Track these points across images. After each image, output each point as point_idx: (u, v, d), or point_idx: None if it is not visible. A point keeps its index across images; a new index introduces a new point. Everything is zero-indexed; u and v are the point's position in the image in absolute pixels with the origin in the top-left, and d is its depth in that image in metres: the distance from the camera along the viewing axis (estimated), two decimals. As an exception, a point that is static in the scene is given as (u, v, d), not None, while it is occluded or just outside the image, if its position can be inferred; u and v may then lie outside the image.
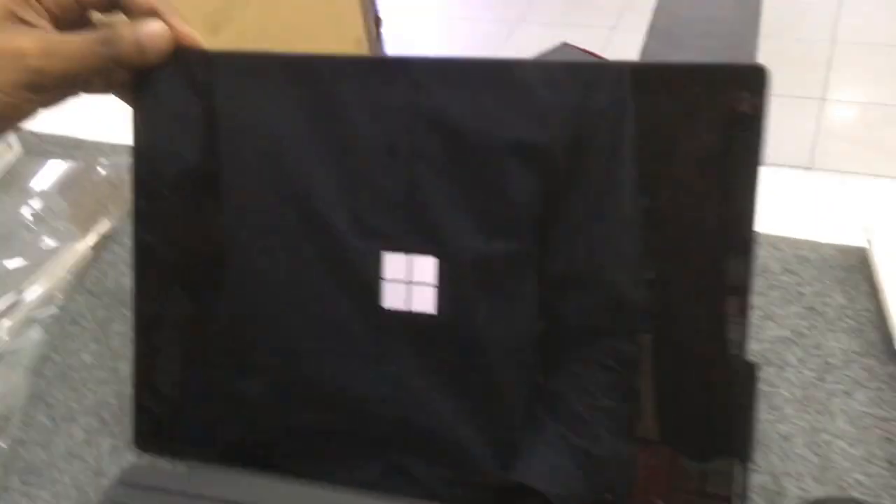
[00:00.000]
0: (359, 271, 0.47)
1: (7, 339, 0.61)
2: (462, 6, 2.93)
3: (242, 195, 0.50)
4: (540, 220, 0.43)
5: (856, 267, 0.57)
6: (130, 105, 0.51)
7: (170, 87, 0.50)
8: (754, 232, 0.41)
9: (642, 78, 0.42)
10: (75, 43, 0.46)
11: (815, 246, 0.59)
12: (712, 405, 0.43)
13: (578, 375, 0.44)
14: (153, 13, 0.48)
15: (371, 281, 0.47)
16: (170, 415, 0.53)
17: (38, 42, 0.45)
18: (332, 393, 0.49)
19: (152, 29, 0.47)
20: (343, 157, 0.47)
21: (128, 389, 0.57)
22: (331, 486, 0.48)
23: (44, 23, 0.47)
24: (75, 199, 0.75)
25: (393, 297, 0.47)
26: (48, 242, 0.69)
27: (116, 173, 0.76)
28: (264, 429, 0.51)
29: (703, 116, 0.42)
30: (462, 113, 0.44)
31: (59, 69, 0.46)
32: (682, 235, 0.42)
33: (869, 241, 0.56)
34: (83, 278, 0.67)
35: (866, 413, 0.49)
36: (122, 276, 0.67)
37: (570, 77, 0.43)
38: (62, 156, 0.79)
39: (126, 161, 0.75)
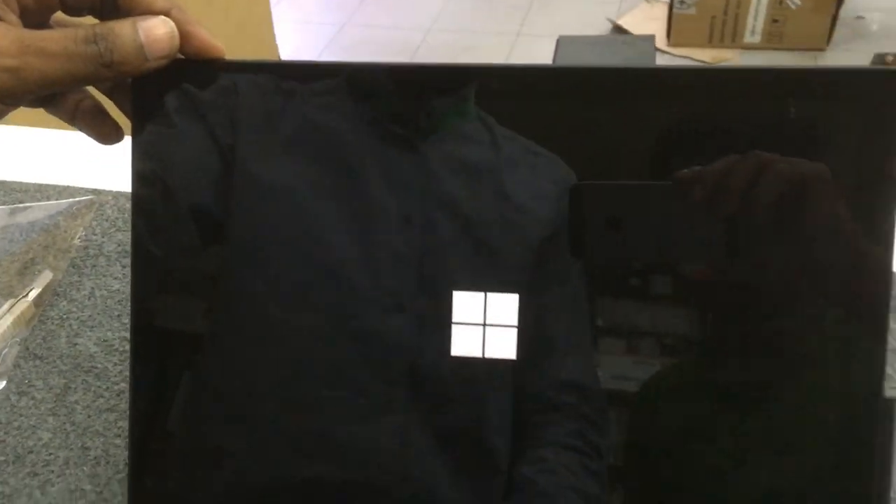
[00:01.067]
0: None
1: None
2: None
3: (253, 244, 0.42)
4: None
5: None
6: (123, 113, 0.42)
7: (176, 100, 0.42)
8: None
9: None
10: (58, 40, 0.37)
11: None
12: (845, 455, 0.38)
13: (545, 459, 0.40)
14: (163, 13, 0.39)
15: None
16: (174, 489, 0.44)
17: (11, 37, 0.36)
18: (339, 450, 0.41)
19: (157, 27, 0.39)
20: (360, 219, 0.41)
21: (105, 472, 0.48)
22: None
23: (13, 17, 0.38)
24: (4, 248, 0.64)
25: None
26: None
27: (49, 216, 0.65)
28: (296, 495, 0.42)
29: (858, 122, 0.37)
30: None
31: (37, 71, 0.36)
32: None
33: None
34: (27, 341, 0.56)
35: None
36: (75, 335, 0.57)
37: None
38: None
39: (61, 203, 0.65)
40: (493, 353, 0.40)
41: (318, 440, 0.41)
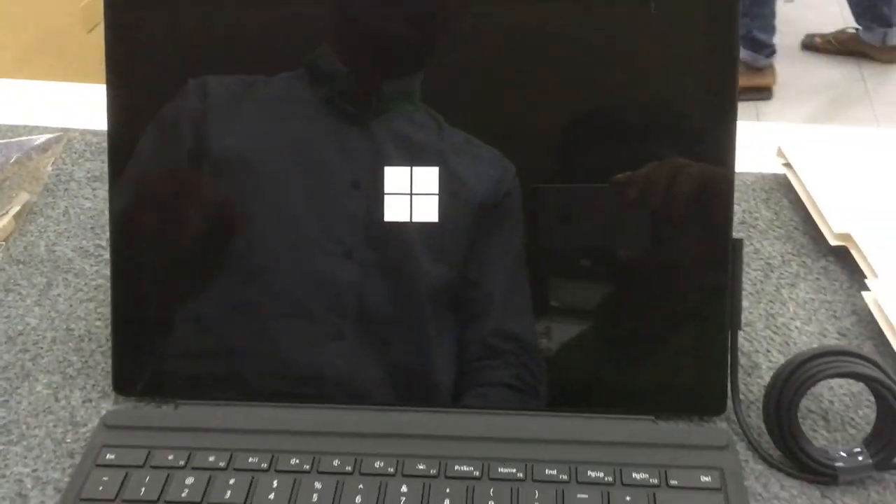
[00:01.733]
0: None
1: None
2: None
3: (224, 206, 0.51)
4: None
5: (774, 188, 0.65)
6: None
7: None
8: (735, 122, 0.47)
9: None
10: None
11: (739, 175, 0.66)
12: (706, 279, 0.48)
13: None
14: None
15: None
16: (148, 358, 0.51)
17: None
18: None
19: None
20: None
21: (90, 346, 0.55)
22: (309, 407, 0.49)
23: None
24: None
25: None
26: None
27: (21, 150, 0.72)
28: (254, 360, 0.51)
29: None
30: None
31: None
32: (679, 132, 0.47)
33: (787, 164, 0.63)
34: (9, 250, 0.63)
35: (810, 298, 0.56)
36: (53, 244, 0.64)
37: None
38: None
39: (32, 139, 0.72)
40: (419, 217, 0.49)
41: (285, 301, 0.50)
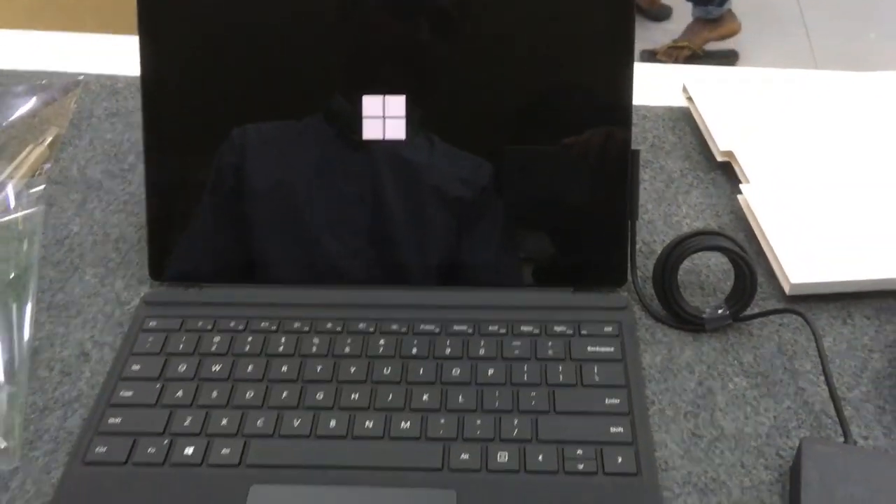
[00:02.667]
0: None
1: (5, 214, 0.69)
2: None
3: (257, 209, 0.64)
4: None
5: (679, 118, 0.79)
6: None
7: None
8: (632, 71, 0.61)
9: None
10: None
11: (650, 108, 0.80)
12: (612, 181, 0.62)
13: None
14: None
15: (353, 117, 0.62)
16: (179, 248, 0.65)
17: None
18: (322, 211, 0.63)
19: None
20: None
21: (125, 246, 0.68)
22: (322, 286, 0.63)
23: None
24: (13, 114, 0.83)
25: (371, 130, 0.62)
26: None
27: (45, 91, 0.84)
28: (264, 249, 0.64)
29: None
30: None
31: None
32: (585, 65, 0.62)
33: (689, 98, 0.78)
34: (48, 174, 0.76)
35: (700, 202, 0.71)
36: (83, 168, 0.77)
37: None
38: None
39: (54, 82, 0.84)
40: (390, 136, 0.63)
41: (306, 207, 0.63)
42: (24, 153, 0.77)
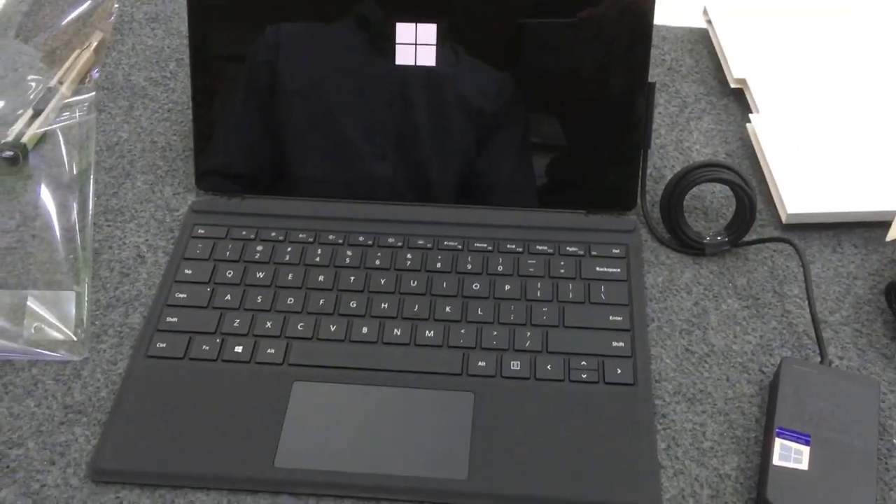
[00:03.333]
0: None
1: (54, 119, 0.74)
2: None
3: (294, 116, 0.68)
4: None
5: (698, 41, 0.82)
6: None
7: None
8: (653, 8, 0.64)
9: None
10: None
11: (669, 29, 0.83)
12: (627, 112, 0.67)
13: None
14: None
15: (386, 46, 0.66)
16: (223, 160, 0.70)
17: None
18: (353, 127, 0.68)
19: None
20: None
21: (171, 154, 0.74)
22: (355, 201, 0.68)
23: None
24: (59, 19, 0.86)
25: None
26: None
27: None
28: (303, 168, 0.69)
29: None
30: None
31: None
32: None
33: (709, 21, 0.81)
34: (95, 78, 0.80)
35: (711, 128, 0.75)
36: (128, 74, 0.81)
37: None
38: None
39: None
40: (421, 62, 0.67)
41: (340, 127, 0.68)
42: (72, 57, 0.81)
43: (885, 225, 0.64)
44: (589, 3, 0.65)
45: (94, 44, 0.82)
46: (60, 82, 0.78)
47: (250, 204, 0.69)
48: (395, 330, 0.60)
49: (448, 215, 0.67)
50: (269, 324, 0.61)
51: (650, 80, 0.65)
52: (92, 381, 0.59)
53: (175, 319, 0.61)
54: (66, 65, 0.80)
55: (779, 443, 0.52)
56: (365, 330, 0.60)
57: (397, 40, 0.66)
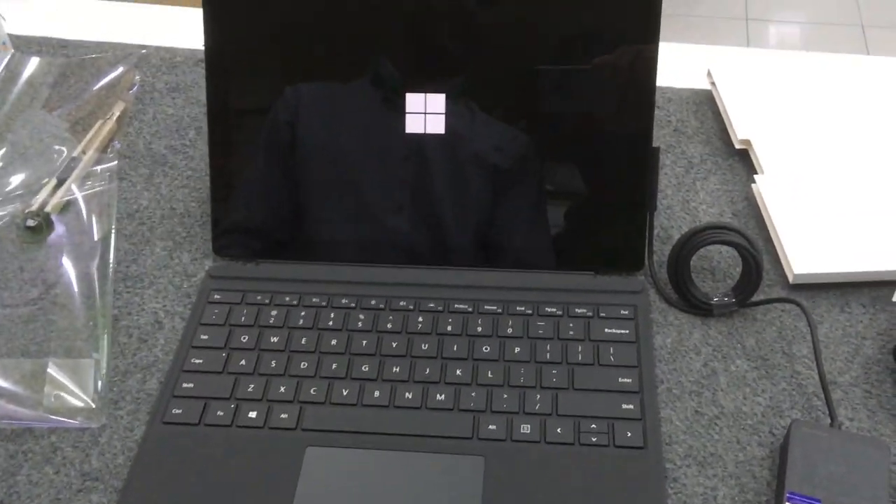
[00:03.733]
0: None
1: (77, 189, 0.77)
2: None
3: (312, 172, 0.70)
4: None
5: (703, 102, 0.84)
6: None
7: None
8: (656, 68, 0.66)
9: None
10: None
11: (675, 91, 0.85)
12: (633, 175, 0.68)
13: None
14: None
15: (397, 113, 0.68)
16: (239, 226, 0.72)
17: None
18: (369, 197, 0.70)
19: None
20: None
21: (190, 221, 0.76)
22: (368, 264, 0.70)
23: None
24: (84, 89, 0.89)
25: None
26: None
27: (111, 66, 0.91)
28: (317, 230, 0.71)
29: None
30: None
31: None
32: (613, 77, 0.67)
33: (713, 83, 0.82)
34: (117, 148, 0.83)
35: (717, 188, 0.76)
36: (149, 143, 0.84)
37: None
38: (51, 54, 0.92)
39: (118, 55, 0.91)
40: (431, 130, 0.69)
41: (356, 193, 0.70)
42: (95, 127, 0.83)
43: (893, 284, 0.65)
44: (595, 78, 0.67)
45: (117, 114, 0.85)
46: (84, 152, 0.81)
47: (265, 269, 0.71)
48: (407, 393, 0.61)
49: (458, 278, 0.69)
50: (282, 388, 0.62)
51: (655, 142, 0.67)
52: (109, 448, 0.60)
53: (191, 385, 0.62)
54: (90, 134, 0.83)
55: (789, 507, 0.52)
56: (377, 394, 0.61)
57: (407, 109, 0.68)
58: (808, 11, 2.64)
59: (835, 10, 2.62)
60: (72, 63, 0.92)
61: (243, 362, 0.64)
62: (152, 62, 0.92)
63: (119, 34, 0.96)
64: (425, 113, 0.68)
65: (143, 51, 0.93)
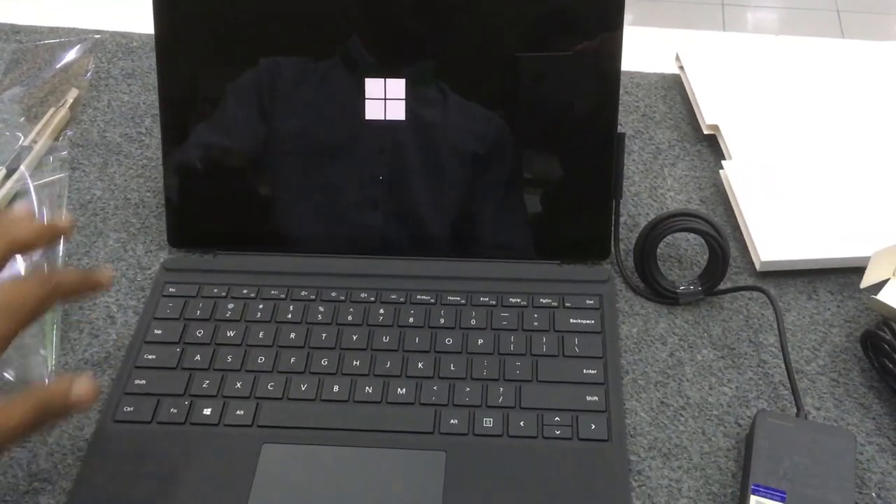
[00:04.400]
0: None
1: (29, 178, 0.74)
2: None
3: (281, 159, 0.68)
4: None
5: (671, 87, 0.82)
6: None
7: None
8: (619, 62, 0.64)
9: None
10: (15, 417, 0.43)
11: (643, 75, 0.83)
12: (599, 162, 0.66)
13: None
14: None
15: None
16: (195, 216, 0.70)
17: None
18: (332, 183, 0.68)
19: (85, 392, 0.47)
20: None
21: (144, 211, 0.73)
22: (328, 255, 0.68)
23: None
24: (36, 75, 0.87)
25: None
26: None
27: (65, 51, 0.88)
28: (277, 220, 0.69)
29: None
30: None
31: None
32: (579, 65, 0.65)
33: (681, 68, 0.81)
34: (69, 136, 0.80)
35: (685, 174, 0.75)
36: (103, 131, 0.81)
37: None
38: (3, 40, 0.89)
39: (72, 41, 0.88)
40: (391, 116, 0.67)
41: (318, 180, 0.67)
42: (47, 115, 0.81)
43: (861, 271, 0.64)
44: (560, 64, 0.65)
45: (70, 101, 0.83)
46: (35, 140, 0.78)
47: (223, 260, 0.68)
48: (367, 388, 0.59)
49: (421, 268, 0.67)
50: (238, 384, 0.60)
51: (622, 129, 0.65)
52: (58, 448, 0.58)
53: (143, 382, 0.60)
54: (42, 122, 0.80)
55: (755, 500, 0.51)
56: (336, 388, 0.60)
57: (367, 95, 0.66)
58: (783, -4, 2.63)
59: (809, -5, 2.62)
60: (24, 48, 0.89)
61: (198, 357, 0.62)
62: (108, 47, 0.89)
63: (73, 19, 0.93)
64: (385, 99, 0.66)
65: (98, 36, 0.90)
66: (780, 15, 2.60)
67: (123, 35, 0.90)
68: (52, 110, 0.81)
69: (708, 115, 0.75)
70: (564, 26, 0.65)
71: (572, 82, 0.65)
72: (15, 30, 0.92)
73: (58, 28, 0.92)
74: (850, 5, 2.60)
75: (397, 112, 0.67)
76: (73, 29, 0.91)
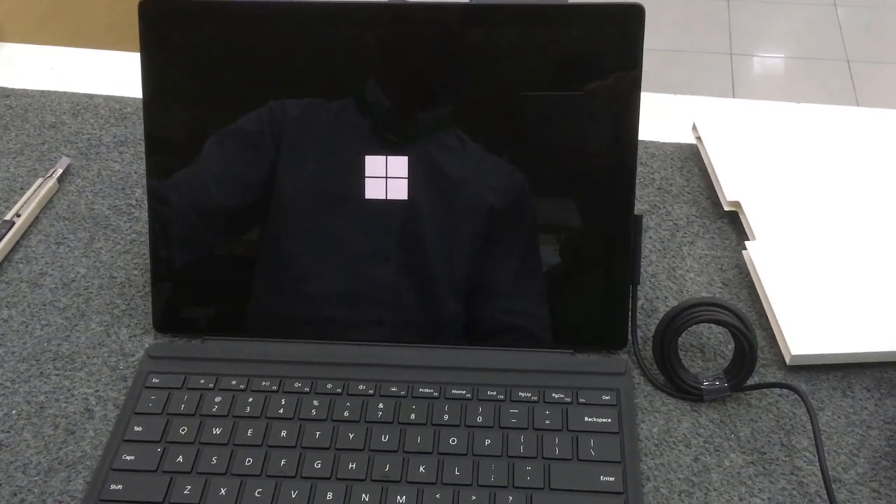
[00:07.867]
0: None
1: (7, 255, 0.70)
2: None
3: (286, 221, 0.64)
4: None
5: (688, 157, 0.78)
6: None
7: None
8: (636, 136, 0.60)
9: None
10: None
11: (658, 145, 0.79)
12: (614, 244, 0.62)
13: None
14: None
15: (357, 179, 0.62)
16: (183, 299, 0.65)
17: None
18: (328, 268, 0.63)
19: None
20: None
21: (131, 291, 0.69)
22: (323, 342, 0.63)
23: None
24: (24, 141, 0.83)
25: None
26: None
27: (55, 115, 0.84)
28: (269, 304, 0.65)
29: (591, 50, 0.59)
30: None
31: None
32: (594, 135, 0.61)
33: (699, 138, 0.77)
34: (56, 208, 0.76)
35: (705, 254, 0.70)
36: (91, 203, 0.77)
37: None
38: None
39: (63, 105, 0.84)
40: (393, 196, 0.63)
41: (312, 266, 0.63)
42: (34, 186, 0.77)
43: (899, 365, 0.59)
44: (574, 135, 0.61)
45: (60, 171, 0.79)
46: (18, 214, 0.74)
47: (211, 347, 0.64)
48: (364, 495, 0.55)
49: (422, 357, 0.62)
50: (223, 490, 0.55)
51: (639, 205, 0.61)
52: (26, 560, 0.53)
53: (119, 487, 0.55)
54: (27, 194, 0.76)
55: None
56: (330, 496, 0.55)
57: (367, 173, 0.62)
58: (793, 46, 2.62)
59: (819, 45, 2.60)
60: (14, 113, 0.85)
61: (180, 459, 0.57)
62: (101, 112, 0.86)
63: (66, 83, 0.90)
64: (386, 177, 0.62)
65: (90, 100, 0.86)
66: (787, 64, 2.58)
67: (117, 100, 0.87)
68: (39, 181, 0.77)
69: (729, 191, 0.71)
70: (579, 100, 0.61)
71: (586, 157, 0.61)
72: (5, 94, 0.88)
73: (49, 92, 0.88)
74: (859, 55, 2.57)
75: (399, 191, 0.63)
76: (66, 93, 0.88)
